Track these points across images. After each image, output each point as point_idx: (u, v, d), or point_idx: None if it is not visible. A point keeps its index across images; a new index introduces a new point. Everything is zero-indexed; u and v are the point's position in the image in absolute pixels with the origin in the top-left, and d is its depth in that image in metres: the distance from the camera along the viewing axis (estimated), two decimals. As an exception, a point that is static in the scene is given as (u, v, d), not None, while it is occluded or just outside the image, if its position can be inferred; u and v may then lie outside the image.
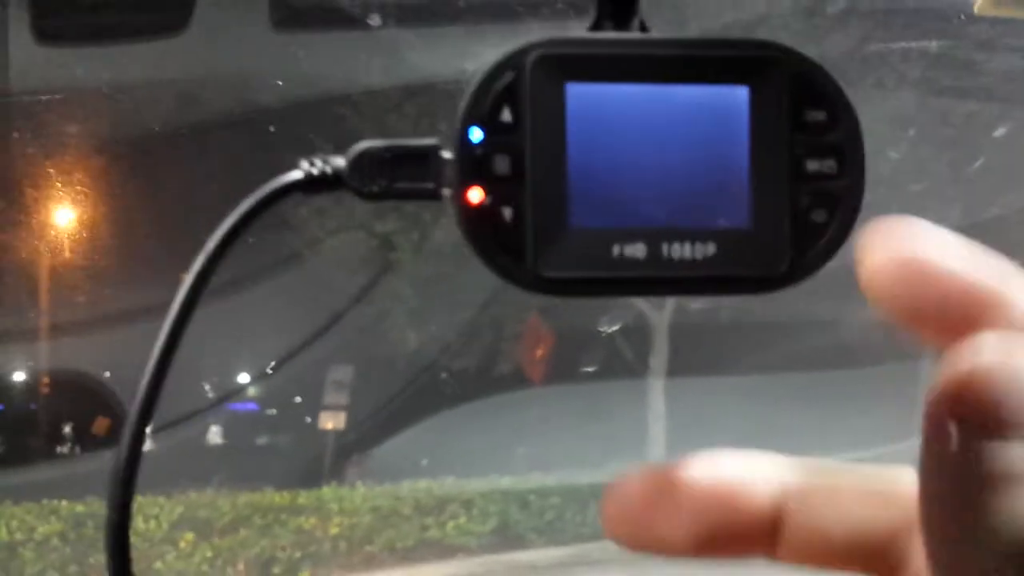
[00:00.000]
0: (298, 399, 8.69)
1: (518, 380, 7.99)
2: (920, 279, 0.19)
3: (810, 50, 0.26)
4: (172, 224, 7.06)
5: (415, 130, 7.04)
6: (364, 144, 0.27)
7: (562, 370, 7.99)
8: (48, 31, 1.97)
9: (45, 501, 5.22)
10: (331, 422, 7.64)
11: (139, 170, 6.66)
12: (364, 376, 7.92)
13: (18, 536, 5.07)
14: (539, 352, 7.95)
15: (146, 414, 0.27)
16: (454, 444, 7.22)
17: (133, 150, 6.41)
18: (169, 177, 6.98)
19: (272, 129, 6.88)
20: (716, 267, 0.25)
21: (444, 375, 8.14)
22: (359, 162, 0.27)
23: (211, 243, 0.28)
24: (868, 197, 0.26)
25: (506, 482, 6.42)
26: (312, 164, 0.28)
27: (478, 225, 0.25)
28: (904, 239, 0.19)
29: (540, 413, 7.66)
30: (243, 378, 8.76)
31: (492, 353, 7.66)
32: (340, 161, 0.27)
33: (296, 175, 0.28)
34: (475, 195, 0.25)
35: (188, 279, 0.28)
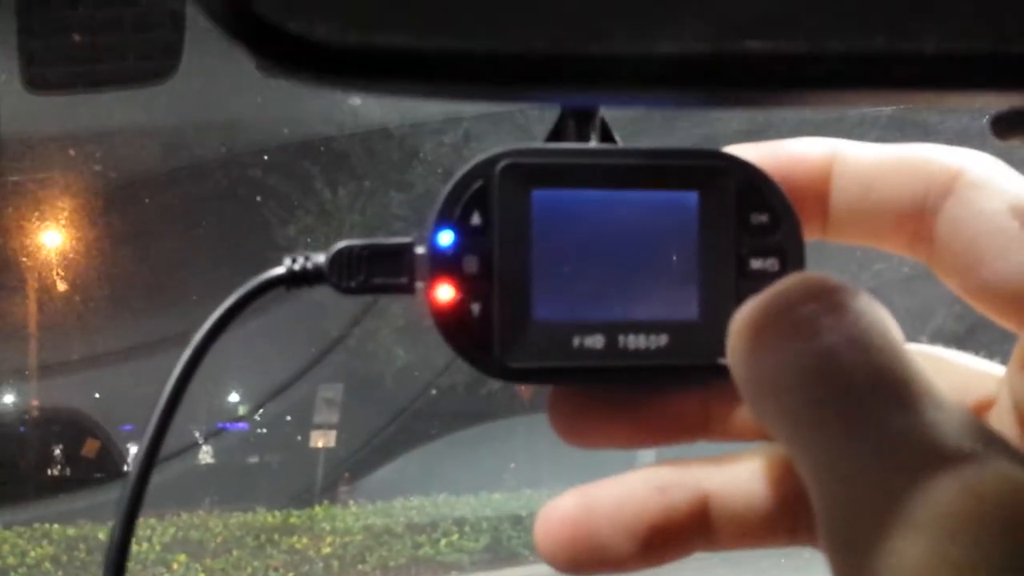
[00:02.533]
0: (288, 418, 8.67)
1: (507, 396, 8.00)
2: (783, 159, 0.28)
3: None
4: (161, 274, 7.15)
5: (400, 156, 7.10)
6: (343, 243, 0.29)
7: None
8: (40, 80, 1.99)
9: (37, 524, 5.18)
10: (321, 440, 7.61)
11: (128, 226, 6.75)
12: (352, 393, 7.91)
13: (10, 560, 5.01)
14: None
15: (151, 462, 0.30)
16: (445, 468, 7.21)
17: (122, 204, 6.51)
18: (158, 226, 7.06)
19: (260, 173, 6.97)
20: (668, 357, 0.27)
21: (434, 392, 8.13)
22: (338, 259, 0.29)
23: (199, 335, 0.30)
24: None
25: (498, 499, 6.42)
26: (295, 261, 0.30)
27: (449, 319, 0.27)
28: (775, 146, 0.29)
29: (529, 433, 7.66)
30: (234, 398, 8.75)
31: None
32: (321, 258, 0.29)
33: (279, 271, 0.30)
34: (446, 291, 0.27)
35: (177, 369, 0.30)
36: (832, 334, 0.21)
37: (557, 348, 0.27)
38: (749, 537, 0.26)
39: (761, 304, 0.23)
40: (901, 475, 0.19)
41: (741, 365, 0.23)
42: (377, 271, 0.29)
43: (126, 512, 0.30)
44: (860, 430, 0.20)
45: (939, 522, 0.19)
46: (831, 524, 0.21)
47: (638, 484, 0.26)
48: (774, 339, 0.22)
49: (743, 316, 0.23)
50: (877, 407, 0.20)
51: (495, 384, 8.34)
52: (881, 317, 0.22)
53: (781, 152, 0.28)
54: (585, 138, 0.28)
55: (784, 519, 0.26)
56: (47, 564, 5.05)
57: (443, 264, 0.27)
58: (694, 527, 0.26)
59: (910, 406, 0.20)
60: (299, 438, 8.09)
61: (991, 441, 0.20)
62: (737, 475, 0.26)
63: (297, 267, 0.30)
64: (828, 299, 0.22)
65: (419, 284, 0.28)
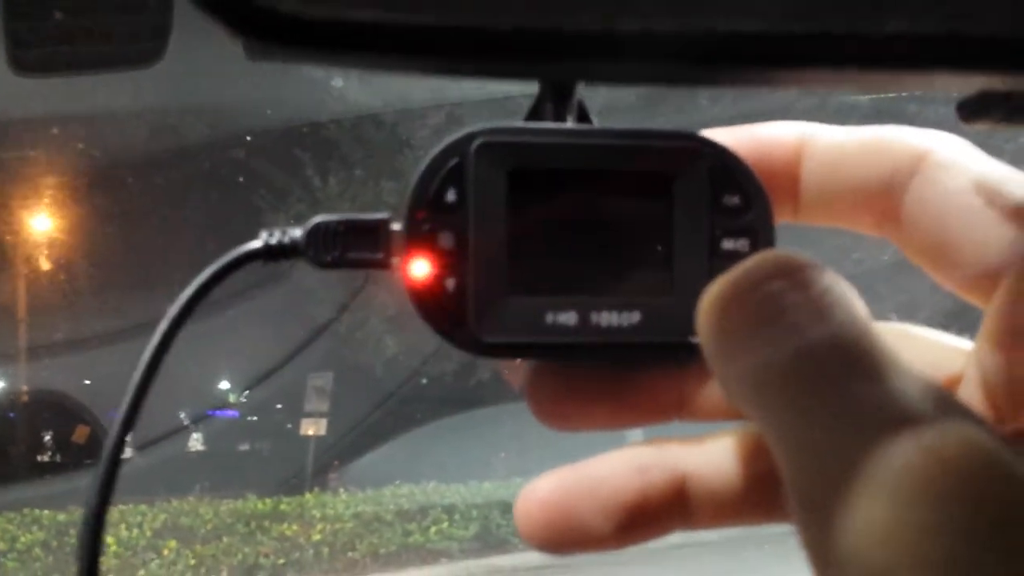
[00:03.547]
0: (279, 405, 8.69)
1: (496, 385, 8.02)
2: (756, 143, 0.28)
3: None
4: (147, 254, 7.15)
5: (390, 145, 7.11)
6: (319, 218, 0.29)
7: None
8: (25, 61, 1.97)
9: (27, 510, 5.18)
10: (312, 428, 7.63)
11: (114, 207, 6.76)
12: (343, 382, 7.93)
13: (0, 546, 5.01)
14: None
15: (120, 449, 0.30)
16: (434, 456, 7.24)
17: (107, 185, 6.51)
18: (143, 206, 7.06)
19: (243, 155, 6.98)
20: (641, 334, 0.27)
21: (424, 381, 8.15)
22: (315, 234, 0.29)
23: (174, 307, 0.30)
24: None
25: (487, 487, 6.45)
26: (271, 235, 0.30)
27: (424, 294, 0.27)
28: (747, 129, 0.29)
29: (518, 421, 7.69)
30: (224, 385, 8.76)
31: (470, 359, 7.65)
32: (297, 232, 0.29)
33: (256, 244, 0.30)
34: (422, 267, 0.27)
35: (153, 340, 0.30)
36: (797, 310, 0.22)
37: (530, 324, 0.27)
38: (726, 516, 0.26)
39: (729, 281, 0.23)
40: (863, 440, 0.20)
41: (710, 341, 0.23)
42: (353, 246, 0.29)
43: (98, 495, 0.30)
44: (823, 399, 0.21)
45: (900, 484, 0.19)
46: (798, 492, 0.21)
47: (616, 464, 0.26)
48: (741, 316, 0.22)
49: (712, 294, 0.23)
50: (840, 378, 0.21)
51: (484, 373, 8.32)
52: (845, 292, 0.22)
53: (753, 136, 0.28)
54: (562, 119, 0.28)
55: (759, 497, 0.26)
56: (37, 550, 5.05)
57: (419, 240, 0.27)
58: (671, 506, 0.26)
59: (873, 375, 0.21)
60: (289, 426, 8.10)
61: (953, 407, 0.20)
62: (713, 454, 0.26)
63: (274, 240, 0.29)
64: (795, 276, 0.22)
65: (395, 260, 0.28)
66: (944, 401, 0.20)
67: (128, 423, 0.30)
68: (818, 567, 0.20)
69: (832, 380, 0.21)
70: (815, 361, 0.21)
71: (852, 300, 0.22)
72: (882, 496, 0.19)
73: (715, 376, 0.24)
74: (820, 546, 0.20)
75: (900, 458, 0.19)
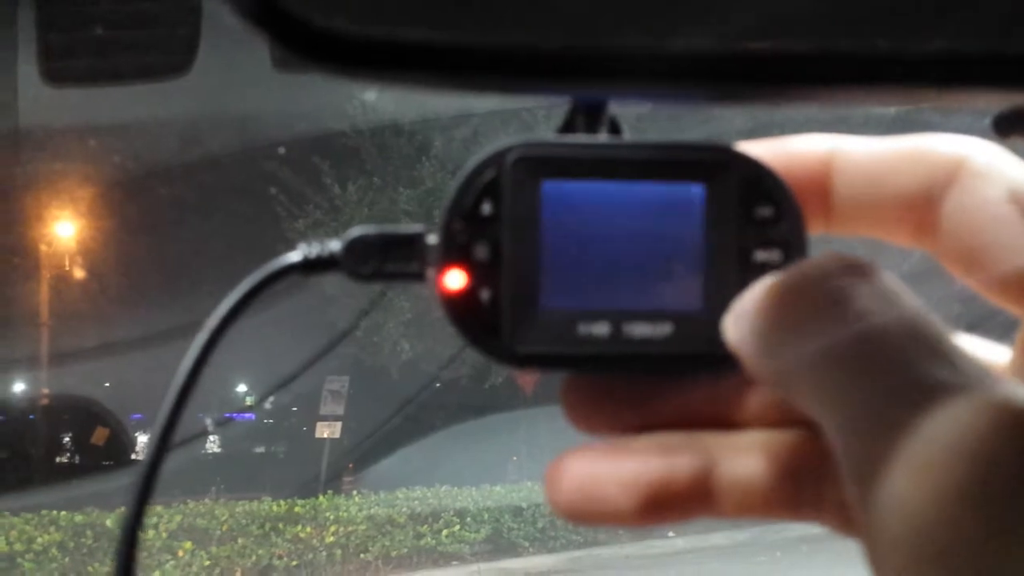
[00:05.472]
0: (294, 408, 8.73)
1: (510, 390, 8.04)
2: (786, 155, 0.28)
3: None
4: (175, 263, 7.22)
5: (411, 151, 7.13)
6: (358, 230, 0.29)
7: (553, 388, 8.03)
8: (55, 72, 2.03)
9: (44, 511, 5.19)
10: (327, 431, 7.65)
11: (145, 217, 6.84)
12: (358, 385, 7.95)
13: (17, 546, 5.00)
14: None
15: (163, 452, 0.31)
16: (447, 460, 7.25)
17: (140, 196, 6.59)
18: (173, 216, 7.14)
19: (274, 166, 7.05)
20: (672, 345, 0.27)
21: (438, 385, 8.17)
22: (353, 247, 0.29)
23: (214, 319, 0.30)
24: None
25: (499, 491, 6.45)
26: (310, 247, 0.30)
27: (458, 305, 0.27)
28: (777, 143, 0.29)
29: (530, 425, 7.70)
30: (241, 389, 8.81)
31: (484, 364, 7.67)
32: (336, 245, 0.29)
33: (295, 257, 0.30)
34: (456, 278, 0.27)
35: (193, 350, 0.30)
36: (867, 298, 0.23)
37: (563, 335, 0.27)
38: (750, 508, 0.26)
39: (795, 274, 0.24)
40: (923, 404, 0.21)
41: (763, 330, 0.24)
42: (390, 258, 0.29)
43: (137, 498, 0.30)
44: (890, 373, 0.22)
45: (955, 440, 0.20)
46: (853, 465, 0.22)
47: (644, 444, 0.27)
48: (807, 304, 0.23)
49: (771, 285, 0.24)
50: (907, 354, 0.22)
51: (498, 378, 8.21)
52: (905, 288, 0.24)
53: (783, 149, 0.29)
54: (594, 132, 0.28)
55: (786, 493, 0.26)
56: (54, 550, 5.04)
57: (454, 251, 0.27)
58: (696, 491, 0.26)
59: (936, 352, 0.22)
60: (304, 429, 8.13)
61: (1007, 380, 0.22)
62: (743, 446, 0.26)
63: (313, 254, 0.30)
64: (862, 272, 0.23)
65: (430, 272, 0.28)
66: (997, 376, 0.22)
67: (169, 430, 0.30)
68: (870, 541, 0.21)
69: (900, 356, 0.22)
70: (885, 340, 0.22)
71: (911, 295, 0.24)
72: (936, 452, 0.20)
73: (755, 368, 0.25)
74: (871, 516, 0.21)
75: (955, 416, 0.20)
